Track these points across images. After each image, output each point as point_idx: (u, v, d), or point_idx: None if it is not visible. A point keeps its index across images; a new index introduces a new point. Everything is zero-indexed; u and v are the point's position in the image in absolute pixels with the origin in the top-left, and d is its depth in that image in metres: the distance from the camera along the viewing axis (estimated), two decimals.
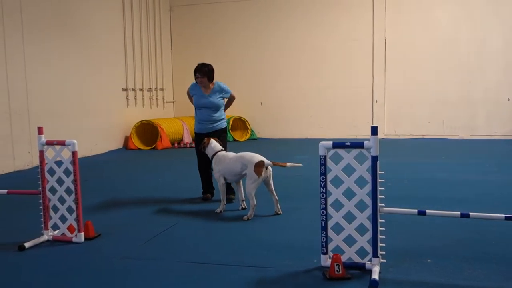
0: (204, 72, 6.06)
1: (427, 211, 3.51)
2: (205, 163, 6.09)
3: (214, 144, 5.65)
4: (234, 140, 13.26)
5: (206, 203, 5.95)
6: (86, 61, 10.78)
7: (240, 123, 13.82)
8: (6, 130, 8.55)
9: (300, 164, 5.33)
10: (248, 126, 13.66)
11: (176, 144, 12.44)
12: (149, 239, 4.51)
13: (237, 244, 4.30)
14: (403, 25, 12.77)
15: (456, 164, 8.46)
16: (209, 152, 5.66)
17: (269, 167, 5.18)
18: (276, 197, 5.30)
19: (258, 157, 5.17)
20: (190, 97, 6.38)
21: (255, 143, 12.98)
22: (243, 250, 4.14)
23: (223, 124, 6.27)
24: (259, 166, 5.08)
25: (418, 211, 3.51)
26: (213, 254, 4.03)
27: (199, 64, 6.17)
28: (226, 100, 6.35)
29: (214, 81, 6.24)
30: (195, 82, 6.22)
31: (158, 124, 12.04)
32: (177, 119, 13.26)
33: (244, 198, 5.61)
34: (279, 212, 5.29)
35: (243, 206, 5.55)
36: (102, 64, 11.36)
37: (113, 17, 11.91)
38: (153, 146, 12.01)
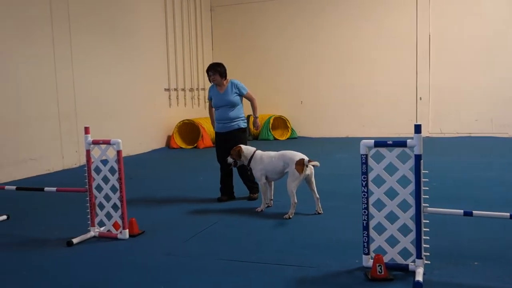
0: (215, 69, 6.19)
1: (473, 211, 3.40)
2: (226, 167, 6.08)
3: (246, 148, 5.63)
4: (275, 139, 13.25)
5: (248, 202, 5.96)
6: (130, 63, 11.06)
7: (281, 122, 13.80)
8: (55, 130, 8.91)
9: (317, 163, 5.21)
10: (289, 124, 13.62)
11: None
12: (191, 236, 4.58)
13: (278, 243, 4.31)
14: (449, 19, 12.36)
15: (505, 163, 8.12)
16: (245, 158, 5.58)
17: (311, 166, 5.16)
18: (317, 196, 5.27)
19: (299, 155, 5.17)
20: (210, 102, 6.46)
21: (295, 142, 12.92)
22: (284, 249, 4.14)
23: (241, 124, 6.20)
24: (300, 164, 5.09)
25: (464, 212, 3.40)
26: (254, 252, 4.05)
27: (210, 64, 6.34)
28: (243, 98, 6.29)
29: (228, 78, 6.31)
30: (212, 85, 6.35)
31: (200, 123, 12.20)
32: None
33: (272, 198, 5.61)
34: (320, 212, 5.26)
35: (269, 204, 5.58)
36: (145, 65, 11.63)
37: (156, 18, 12.15)
38: (194, 145, 12.18)
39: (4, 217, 5.42)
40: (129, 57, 11.03)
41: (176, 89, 12.87)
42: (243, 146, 5.66)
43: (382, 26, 12.97)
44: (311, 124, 13.84)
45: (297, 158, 5.13)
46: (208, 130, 12.26)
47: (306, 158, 5.13)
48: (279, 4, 13.93)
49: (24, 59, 8.26)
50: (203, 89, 14.26)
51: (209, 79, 6.27)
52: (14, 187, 5.31)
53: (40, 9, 8.58)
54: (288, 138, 13.48)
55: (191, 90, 13.62)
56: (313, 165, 5.15)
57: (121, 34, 10.75)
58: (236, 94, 6.18)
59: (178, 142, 12.23)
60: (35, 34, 8.48)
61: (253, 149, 5.63)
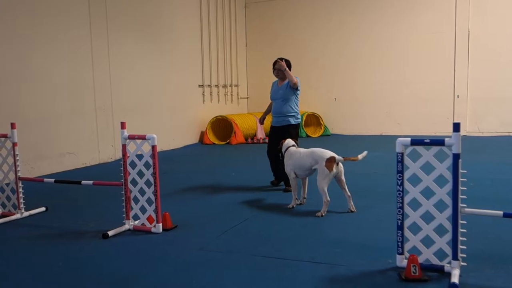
0: (282, 59, 6.40)
1: None
2: (273, 154, 6.51)
3: (288, 141, 5.77)
4: (307, 136, 13.18)
5: (280, 198, 5.96)
6: (165, 59, 11.22)
7: (314, 119, 13.71)
8: (92, 125, 9.13)
9: (366, 152, 5.19)
10: (322, 122, 13.53)
11: (249, 140, 12.60)
12: (224, 231, 4.61)
13: (310, 240, 4.28)
14: (489, 15, 11.97)
15: None
16: (283, 149, 5.74)
17: (340, 163, 5.15)
18: (349, 194, 5.22)
19: (329, 153, 5.15)
20: (270, 104, 6.78)
21: (328, 139, 12.82)
22: (316, 246, 4.11)
23: (292, 120, 6.37)
24: (330, 161, 5.07)
25: (504, 213, 3.28)
26: (286, 249, 4.04)
27: (278, 58, 6.54)
28: (298, 95, 6.49)
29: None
30: (276, 80, 6.60)
31: (233, 119, 12.26)
32: (250, 114, 13.42)
33: (305, 196, 5.59)
34: (353, 210, 5.20)
35: (302, 202, 5.59)
36: (180, 61, 11.76)
37: (191, 15, 12.27)
38: (227, 141, 12.25)
39: (43, 208, 5.60)
40: (164, 54, 11.18)
41: (209, 85, 12.97)
42: (287, 140, 5.78)
43: (419, 22, 12.69)
44: (344, 121, 13.70)
45: (327, 156, 5.11)
46: (241, 127, 12.31)
47: (336, 156, 5.11)
48: (314, 2, 13.82)
49: (63, 56, 8.50)
50: (236, 85, 14.33)
51: (273, 72, 6.49)
52: (52, 180, 5.48)
53: (79, 7, 8.80)
54: (321, 135, 13.39)
55: (225, 86, 13.70)
56: (360, 157, 5.10)
57: (156, 31, 10.91)
58: (289, 88, 6.34)
59: (211, 138, 12.33)
60: (73, 31, 8.71)
61: (291, 144, 5.69)
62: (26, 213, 5.39)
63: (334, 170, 5.07)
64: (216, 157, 10.21)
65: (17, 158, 5.30)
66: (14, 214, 5.32)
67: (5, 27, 7.47)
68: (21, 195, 5.32)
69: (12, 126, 5.27)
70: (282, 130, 6.37)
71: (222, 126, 12.66)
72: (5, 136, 5.32)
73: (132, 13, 10.14)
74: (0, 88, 7.42)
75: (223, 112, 13.01)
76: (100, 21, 9.26)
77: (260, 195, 6.20)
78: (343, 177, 5.19)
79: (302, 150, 5.50)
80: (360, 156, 5.12)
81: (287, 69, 6.28)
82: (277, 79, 6.61)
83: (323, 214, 5.08)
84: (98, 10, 9.20)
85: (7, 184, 5.42)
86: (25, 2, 7.78)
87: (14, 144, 5.26)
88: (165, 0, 11.27)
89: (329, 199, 5.10)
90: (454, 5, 12.26)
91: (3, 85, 7.46)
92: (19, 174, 5.32)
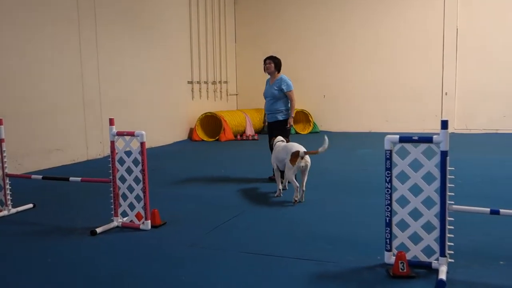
0: (272, 59, 6.63)
1: (501, 210, 3.32)
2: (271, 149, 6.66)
3: (278, 137, 6.28)
4: (296, 133, 13.20)
5: (269, 195, 5.97)
6: (154, 55, 11.15)
7: (303, 116, 13.73)
8: (80, 121, 9.05)
9: (326, 145, 5.48)
10: (311, 119, 13.56)
11: (238, 136, 12.58)
12: (213, 228, 4.61)
13: (299, 237, 4.30)
14: (477, 13, 12.09)
15: None
16: (274, 143, 6.24)
17: (307, 158, 5.51)
18: (304, 189, 5.53)
19: (296, 148, 5.56)
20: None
21: (317, 136, 12.85)
22: (306, 243, 4.12)
23: (281, 117, 6.61)
24: (294, 156, 5.48)
25: (491, 210, 3.32)
26: (275, 246, 4.05)
27: (269, 55, 6.76)
28: (286, 94, 6.61)
29: (281, 74, 6.68)
30: (268, 78, 6.78)
31: (222, 116, 12.23)
32: (240, 111, 13.41)
33: (304, 189, 5.65)
34: (298, 200, 5.46)
35: (280, 191, 5.88)
36: (169, 57, 11.71)
37: (180, 11, 12.20)
38: (216, 138, 12.23)
39: (30, 205, 5.55)
40: (154, 50, 11.11)
41: (199, 82, 12.93)
42: (277, 137, 6.27)
43: (407, 20, 12.77)
44: (333, 118, 13.75)
45: (293, 150, 5.53)
46: (230, 123, 12.29)
47: (301, 151, 5.48)
48: None
49: (49, 50, 8.40)
50: (226, 82, 14.29)
51: (264, 68, 6.68)
52: (40, 177, 5.42)
53: (67, 3, 8.69)
54: (310, 132, 13.42)
55: (214, 83, 13.66)
56: (320, 150, 5.43)
57: (146, 27, 10.84)
58: (277, 89, 6.55)
59: (200, 134, 12.29)
60: (61, 25, 8.61)
61: (279, 139, 6.15)
62: (14, 210, 5.33)
63: (297, 163, 5.44)
64: (206, 153, 10.19)
65: (4, 154, 5.24)
66: (1, 211, 5.27)
67: None
68: (8, 191, 5.26)
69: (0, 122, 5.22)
70: (272, 126, 6.69)
71: (211, 123, 12.63)
72: None
73: (121, 7, 10.05)
74: None
75: (212, 109, 12.98)
76: (89, 16, 9.17)
77: (250, 191, 6.21)
78: (306, 172, 5.56)
79: (282, 144, 5.96)
80: (320, 149, 5.43)
81: (292, 109, 6.58)
82: (269, 76, 6.74)
83: (296, 200, 5.43)
84: (86, 5, 9.10)
85: None
86: (12, 2, 7.69)
87: (1, 140, 5.20)
88: None
89: (298, 184, 5.45)
90: (442, 2, 12.35)
91: None
92: (6, 170, 5.25)
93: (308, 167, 5.54)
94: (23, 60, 7.93)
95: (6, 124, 5.42)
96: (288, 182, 5.85)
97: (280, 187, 5.89)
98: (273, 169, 6.04)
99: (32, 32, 8.06)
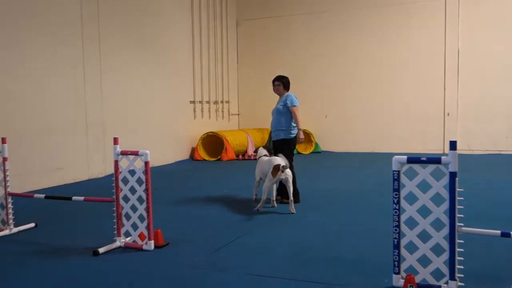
0: (280, 80, 6.67)
1: (511, 232, 3.26)
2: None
3: (260, 150, 6.69)
4: (298, 153, 13.17)
5: (273, 215, 5.92)
6: (157, 75, 11.20)
7: (304, 136, 13.69)
8: (82, 140, 9.04)
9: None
10: (313, 139, 13.55)
11: (240, 156, 12.56)
12: (217, 249, 4.54)
13: (305, 258, 4.23)
14: (479, 33, 12.18)
15: None
16: (257, 157, 6.68)
17: (287, 172, 5.86)
18: (291, 198, 5.94)
19: (277, 161, 5.96)
20: None
21: (319, 156, 12.84)
22: (311, 264, 4.06)
23: (283, 134, 6.54)
24: (276, 169, 5.86)
25: (502, 233, 3.27)
26: (280, 268, 3.98)
27: (277, 75, 6.79)
28: (290, 109, 6.55)
29: (289, 92, 6.71)
30: None
31: (224, 136, 12.23)
32: (241, 131, 13.40)
33: (292, 199, 5.99)
34: (259, 209, 6.03)
35: (273, 205, 6.31)
36: (172, 77, 11.76)
37: (183, 32, 12.31)
38: (218, 158, 12.19)
39: (32, 224, 5.49)
40: (156, 70, 11.17)
41: (201, 102, 12.96)
42: (259, 149, 6.70)
43: (409, 41, 12.86)
44: (335, 138, 13.74)
45: (275, 163, 5.91)
46: (232, 143, 12.28)
47: (282, 164, 5.86)
48: (305, 18, 13.97)
49: (53, 70, 8.44)
50: (228, 102, 14.33)
51: (273, 89, 6.72)
52: (43, 196, 5.37)
53: (70, 21, 8.77)
54: (311, 152, 13.39)
55: (216, 102, 13.69)
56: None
57: (148, 48, 10.92)
58: (282, 104, 6.54)
59: (202, 154, 12.27)
60: (64, 45, 8.66)
61: (263, 153, 6.57)
62: (15, 229, 5.27)
63: (278, 176, 5.85)
64: (208, 173, 10.15)
65: (7, 173, 5.20)
66: (3, 230, 5.21)
67: None
68: (10, 210, 5.21)
69: (3, 140, 5.19)
70: (275, 144, 6.66)
71: (213, 142, 12.62)
72: None
73: (124, 28, 10.14)
74: None
75: (214, 128, 12.98)
76: (92, 37, 9.24)
77: (253, 211, 6.15)
78: (289, 184, 5.93)
79: (266, 158, 6.38)
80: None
81: (299, 127, 6.55)
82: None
83: (259, 209, 6.00)
84: (90, 27, 9.19)
85: None
86: (15, 15, 7.74)
87: (4, 159, 5.17)
88: (158, 17, 11.31)
89: (265, 198, 6.02)
90: (443, 24, 12.46)
91: None
92: (8, 189, 5.21)
93: (289, 179, 5.91)
94: (27, 79, 7.95)
95: (9, 142, 5.40)
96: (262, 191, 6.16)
97: (273, 198, 6.33)
98: (256, 181, 6.48)
99: (37, 53, 8.11)
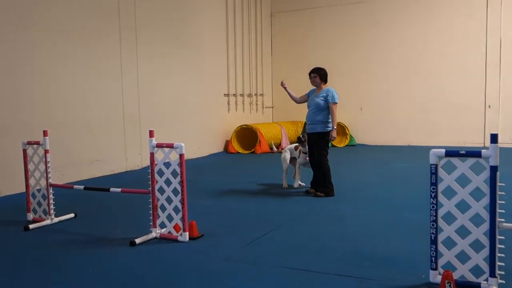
0: (317, 72, 6.60)
1: None
2: (312, 161, 6.65)
3: (289, 146, 7.45)
4: (333, 146, 13.05)
5: (306, 209, 5.90)
6: (191, 69, 11.30)
7: (339, 129, 13.53)
8: (120, 133, 9.24)
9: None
10: (347, 131, 13.38)
11: (274, 149, 12.52)
12: (251, 241, 4.56)
13: (340, 252, 4.19)
14: None
15: None
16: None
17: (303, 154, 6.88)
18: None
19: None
20: (303, 96, 6.92)
21: (353, 149, 12.68)
22: (346, 259, 4.02)
23: (320, 128, 6.49)
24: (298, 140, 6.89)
25: None
26: (313, 261, 3.97)
27: (314, 67, 6.71)
28: (330, 105, 6.51)
29: (328, 85, 6.62)
30: (314, 88, 6.75)
31: (258, 128, 12.24)
32: (275, 124, 13.38)
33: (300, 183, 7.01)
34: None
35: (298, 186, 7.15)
36: (206, 71, 11.84)
37: (217, 25, 12.36)
38: (252, 150, 12.23)
39: (72, 215, 5.67)
40: (191, 63, 11.27)
41: (235, 95, 13.01)
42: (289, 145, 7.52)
43: (450, 31, 12.48)
44: (370, 131, 13.53)
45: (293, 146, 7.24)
46: (266, 136, 12.28)
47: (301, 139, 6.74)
48: (339, 9, 13.76)
49: (93, 65, 8.64)
50: (262, 94, 14.33)
51: (310, 81, 6.67)
52: (82, 187, 5.53)
53: (108, 18, 8.95)
54: (346, 145, 13.24)
55: (250, 95, 13.71)
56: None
57: (183, 41, 11.02)
58: (323, 99, 6.47)
59: (236, 147, 12.33)
60: (103, 41, 8.85)
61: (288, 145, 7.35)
62: (56, 219, 5.46)
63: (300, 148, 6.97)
64: (241, 166, 10.19)
65: (49, 165, 5.38)
66: (44, 220, 5.40)
67: (39, 40, 7.64)
68: (51, 201, 5.39)
69: (44, 133, 5.36)
70: (311, 137, 6.61)
71: (247, 135, 12.65)
72: (37, 143, 5.42)
73: (160, 22, 10.27)
74: (33, 97, 7.58)
75: (248, 121, 13.01)
76: (130, 34, 9.41)
77: (287, 205, 6.15)
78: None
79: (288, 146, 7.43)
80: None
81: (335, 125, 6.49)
82: (313, 87, 6.75)
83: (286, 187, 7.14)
84: (127, 18, 9.35)
85: (38, 190, 5.51)
86: (59, 18, 7.96)
87: (46, 151, 5.35)
88: (193, 9, 11.39)
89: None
90: (485, 13, 12.02)
91: (36, 94, 7.63)
92: (50, 180, 5.39)
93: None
94: (68, 77, 8.18)
95: (51, 135, 5.57)
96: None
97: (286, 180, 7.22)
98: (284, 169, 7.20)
99: (78, 52, 8.32)
